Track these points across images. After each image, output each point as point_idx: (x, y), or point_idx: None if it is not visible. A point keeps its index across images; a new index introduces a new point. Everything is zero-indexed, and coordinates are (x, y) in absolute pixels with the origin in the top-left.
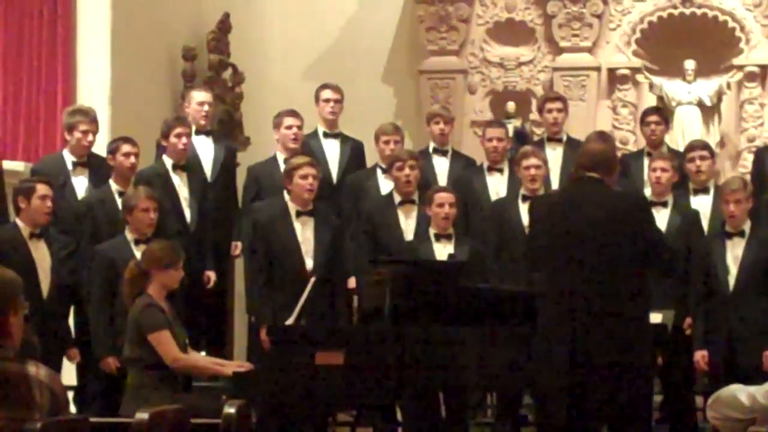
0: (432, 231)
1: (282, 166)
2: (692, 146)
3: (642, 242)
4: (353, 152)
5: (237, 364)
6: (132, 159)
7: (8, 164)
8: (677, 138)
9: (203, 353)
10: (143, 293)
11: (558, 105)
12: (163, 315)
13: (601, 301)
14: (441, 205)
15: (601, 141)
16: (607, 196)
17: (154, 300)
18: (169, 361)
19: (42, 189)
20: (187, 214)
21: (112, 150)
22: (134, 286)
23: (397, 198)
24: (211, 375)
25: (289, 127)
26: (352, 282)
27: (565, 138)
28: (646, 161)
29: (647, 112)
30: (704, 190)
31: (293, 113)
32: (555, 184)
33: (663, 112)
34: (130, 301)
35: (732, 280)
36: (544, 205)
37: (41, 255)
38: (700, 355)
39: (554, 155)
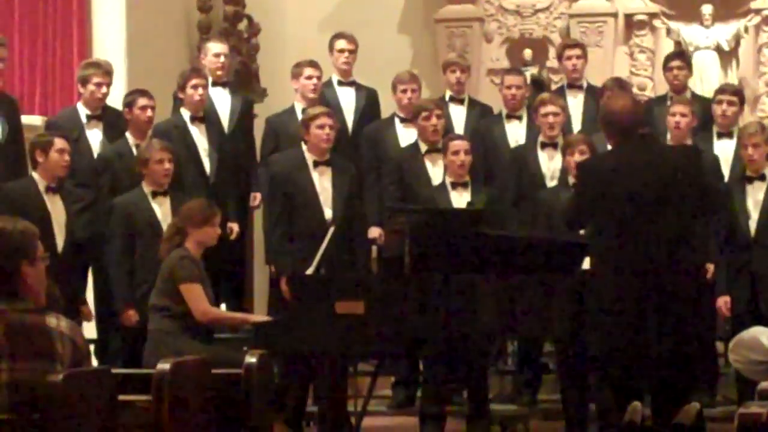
0: (448, 179)
1: (300, 117)
2: (723, 89)
3: (698, 190)
4: (368, 100)
5: (262, 317)
6: (149, 112)
7: (25, 119)
8: (695, 83)
9: (224, 306)
10: (181, 246)
11: (577, 52)
12: (197, 269)
13: (666, 259)
14: (456, 153)
15: (628, 92)
16: (661, 153)
17: (191, 254)
18: (199, 314)
19: (60, 143)
20: (207, 165)
21: (129, 103)
22: (172, 244)
23: (423, 147)
24: (238, 326)
25: (309, 77)
26: (374, 232)
27: (585, 85)
28: None
29: (670, 57)
30: (728, 134)
31: (313, 64)
32: (576, 131)
33: (686, 56)
34: (167, 255)
35: (753, 225)
36: (596, 171)
37: (57, 209)
38: (723, 301)
39: (575, 102)
